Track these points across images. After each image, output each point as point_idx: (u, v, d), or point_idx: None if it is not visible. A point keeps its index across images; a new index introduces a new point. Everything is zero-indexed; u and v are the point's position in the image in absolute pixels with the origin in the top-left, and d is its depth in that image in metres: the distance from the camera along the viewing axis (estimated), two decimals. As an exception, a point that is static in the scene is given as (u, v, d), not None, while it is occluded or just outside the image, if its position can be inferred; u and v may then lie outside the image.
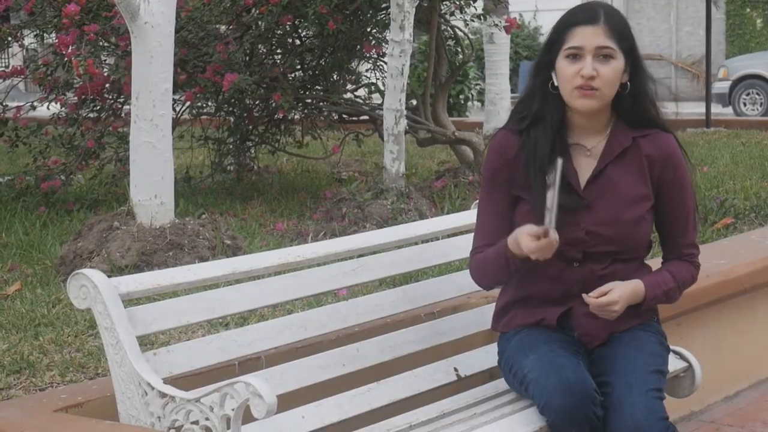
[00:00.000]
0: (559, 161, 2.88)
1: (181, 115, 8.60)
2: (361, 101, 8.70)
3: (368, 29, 8.33)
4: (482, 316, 3.61)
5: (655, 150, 3.09)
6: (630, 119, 3.10)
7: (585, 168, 3.08)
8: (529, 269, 3.02)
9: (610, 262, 3.06)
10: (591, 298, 2.99)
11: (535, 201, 2.98)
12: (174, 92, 6.20)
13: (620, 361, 3.01)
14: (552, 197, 2.87)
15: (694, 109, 15.64)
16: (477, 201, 3.84)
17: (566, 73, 2.99)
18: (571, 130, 3.09)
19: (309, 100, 8.57)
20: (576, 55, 2.98)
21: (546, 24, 24.04)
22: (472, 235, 3.70)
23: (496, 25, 9.23)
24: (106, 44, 8.05)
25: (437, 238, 3.73)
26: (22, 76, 8.29)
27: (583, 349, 3.09)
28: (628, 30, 3.06)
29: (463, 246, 3.68)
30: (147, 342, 3.64)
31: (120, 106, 8.12)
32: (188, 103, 8.34)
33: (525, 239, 2.91)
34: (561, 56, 3.01)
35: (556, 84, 3.04)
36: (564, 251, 2.98)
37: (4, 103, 8.21)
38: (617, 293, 2.99)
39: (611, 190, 3.06)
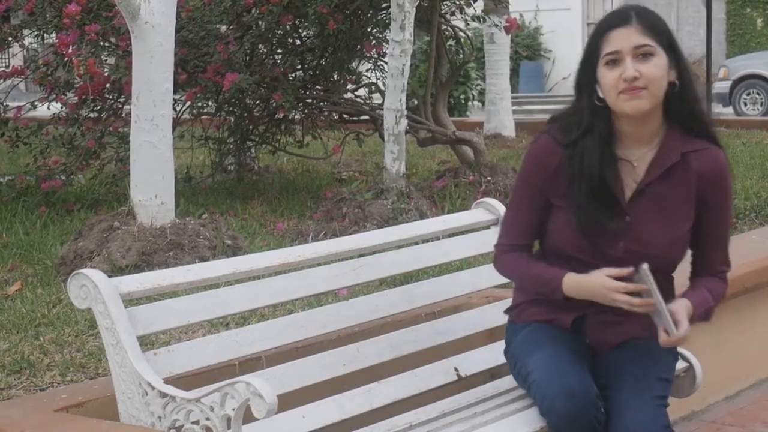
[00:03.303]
0: (644, 267, 2.80)
1: (182, 114, 8.60)
2: (362, 101, 8.70)
3: (369, 29, 8.33)
4: (483, 316, 3.61)
5: (705, 167, 2.98)
6: (682, 124, 2.98)
7: (631, 181, 2.98)
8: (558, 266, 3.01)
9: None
10: (670, 337, 2.88)
11: (577, 213, 2.94)
12: (174, 92, 6.20)
13: (627, 366, 2.99)
14: (657, 301, 2.82)
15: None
16: (477, 201, 3.86)
17: (608, 81, 2.89)
18: (619, 141, 2.98)
19: (309, 100, 8.57)
20: (615, 60, 2.88)
21: (546, 24, 24.09)
22: (472, 235, 3.71)
23: (497, 25, 9.23)
24: (106, 44, 8.05)
25: (438, 238, 3.72)
26: (23, 76, 8.29)
27: (590, 351, 3.07)
28: (664, 25, 2.95)
29: (464, 246, 3.69)
30: (147, 342, 3.64)
31: (120, 106, 8.12)
32: (189, 103, 8.34)
33: (620, 296, 2.86)
34: (601, 65, 2.91)
35: (601, 96, 2.93)
36: (597, 263, 2.94)
37: (4, 103, 8.21)
38: (686, 321, 2.90)
39: (655, 207, 2.97)
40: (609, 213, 2.92)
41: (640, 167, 2.98)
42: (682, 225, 2.99)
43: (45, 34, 8.23)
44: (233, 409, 2.57)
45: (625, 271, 2.86)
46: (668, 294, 2.98)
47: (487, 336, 3.67)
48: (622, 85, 2.86)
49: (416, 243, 3.62)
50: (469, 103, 16.19)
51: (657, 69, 2.87)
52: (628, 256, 2.94)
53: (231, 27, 8.12)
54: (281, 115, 8.41)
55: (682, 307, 2.93)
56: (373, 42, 8.40)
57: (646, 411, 2.87)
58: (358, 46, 8.39)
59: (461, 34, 8.96)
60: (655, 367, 2.99)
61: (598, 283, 2.91)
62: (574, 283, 2.96)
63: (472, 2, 8.41)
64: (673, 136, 2.98)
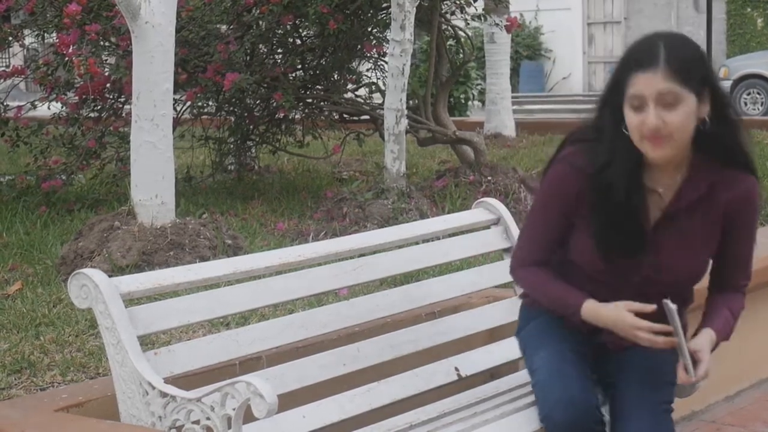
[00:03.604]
0: (671, 306, 2.76)
1: (182, 114, 8.59)
2: (362, 101, 8.69)
3: (369, 29, 8.33)
4: (483, 316, 3.61)
5: (734, 195, 2.89)
6: (713, 155, 2.85)
7: (656, 208, 2.89)
8: (577, 275, 2.97)
9: (665, 295, 2.88)
10: (689, 377, 2.84)
11: (599, 241, 2.88)
12: (175, 92, 6.20)
13: (635, 367, 2.97)
14: (680, 340, 2.80)
15: (695, 109, 15.62)
16: (478, 201, 3.86)
17: (632, 124, 2.76)
18: (646, 167, 2.85)
19: (310, 100, 8.57)
20: (639, 106, 2.73)
21: (547, 24, 24.09)
22: (472, 235, 3.71)
23: (497, 25, 9.23)
24: (107, 44, 8.05)
25: (438, 238, 3.73)
26: (23, 76, 8.29)
27: (600, 350, 3.03)
28: (697, 62, 2.77)
29: (464, 246, 3.69)
30: (148, 342, 3.64)
31: (121, 105, 8.12)
32: (189, 103, 8.33)
33: (643, 334, 2.84)
34: (626, 103, 2.77)
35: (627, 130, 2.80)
36: (617, 284, 2.92)
37: (5, 103, 8.20)
38: (707, 360, 2.86)
39: (679, 235, 2.90)
40: (632, 242, 2.87)
41: (666, 195, 2.89)
42: (705, 252, 2.95)
43: (45, 34, 8.23)
44: (234, 409, 2.57)
45: (648, 308, 2.82)
46: (681, 317, 2.92)
47: (488, 336, 3.67)
48: (645, 131, 2.74)
49: (416, 243, 3.62)
50: (470, 102, 16.18)
51: (682, 117, 2.72)
52: (647, 282, 2.91)
53: (231, 27, 8.12)
54: (281, 114, 8.41)
55: (705, 342, 2.89)
56: (374, 42, 8.40)
57: (652, 418, 2.87)
58: (359, 46, 8.39)
59: (461, 33, 8.96)
60: (663, 368, 2.96)
61: (620, 318, 2.86)
62: (593, 311, 2.91)
63: (472, 2, 8.41)
64: (702, 165, 2.87)
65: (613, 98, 2.82)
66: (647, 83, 2.71)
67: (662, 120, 2.71)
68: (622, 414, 2.90)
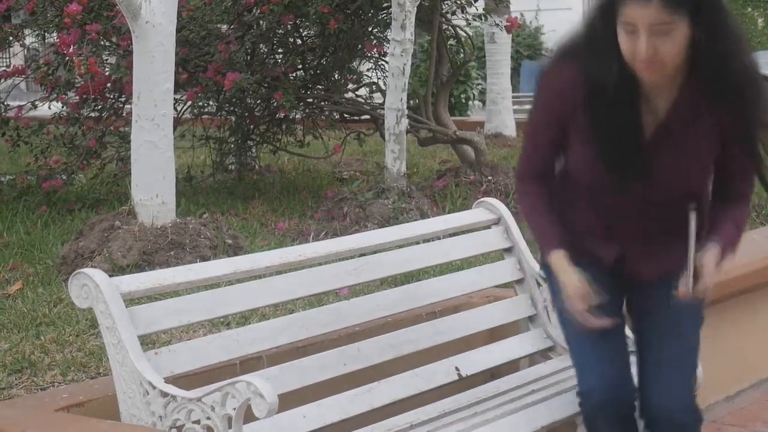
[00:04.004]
0: (692, 215, 2.77)
1: (183, 114, 8.59)
2: (363, 101, 8.69)
3: (369, 29, 8.33)
4: (483, 316, 3.62)
5: (732, 107, 2.84)
6: (708, 72, 2.80)
7: (652, 119, 2.86)
8: (579, 194, 2.96)
9: (671, 207, 2.90)
10: (689, 293, 2.82)
11: (597, 150, 2.85)
12: (175, 92, 6.20)
13: (665, 327, 2.97)
14: (689, 257, 2.79)
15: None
16: (478, 201, 3.86)
17: (624, 47, 2.74)
18: (642, 80, 2.82)
19: (310, 100, 8.57)
20: (632, 31, 2.71)
21: (547, 23, 24.09)
22: (472, 234, 3.71)
23: (498, 25, 9.23)
24: (107, 44, 8.05)
25: (438, 238, 3.73)
26: (24, 76, 8.29)
27: (627, 289, 3.02)
28: None
29: (465, 245, 3.69)
30: (148, 341, 3.64)
31: (121, 105, 8.12)
32: (189, 103, 8.33)
33: (576, 307, 2.88)
34: (619, 23, 2.74)
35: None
36: (619, 197, 2.89)
37: (5, 103, 8.21)
38: (714, 274, 2.84)
39: (677, 144, 2.86)
40: (629, 151, 2.84)
41: (662, 107, 2.86)
42: (705, 159, 2.91)
43: (46, 34, 8.24)
44: (234, 409, 2.57)
45: (596, 323, 2.86)
46: (700, 221, 2.89)
47: (488, 336, 3.67)
48: (637, 57, 2.73)
49: (417, 243, 3.62)
50: (470, 102, 16.18)
51: (674, 46, 2.72)
52: (648, 190, 2.89)
53: (232, 26, 8.12)
54: (282, 114, 8.41)
55: (711, 259, 2.84)
56: (374, 41, 8.40)
57: (674, 388, 2.91)
58: (359, 46, 8.39)
59: (462, 33, 8.96)
60: (691, 331, 3.00)
61: (570, 283, 2.90)
62: (558, 263, 2.94)
63: (473, 1, 8.41)
64: (699, 80, 2.83)
65: (606, 13, 2.80)
66: (640, 14, 2.70)
67: (654, 48, 2.71)
68: (647, 383, 2.95)
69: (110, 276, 2.83)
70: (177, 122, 7.66)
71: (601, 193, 2.94)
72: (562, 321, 3.06)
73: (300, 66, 8.46)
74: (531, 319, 3.73)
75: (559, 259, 2.95)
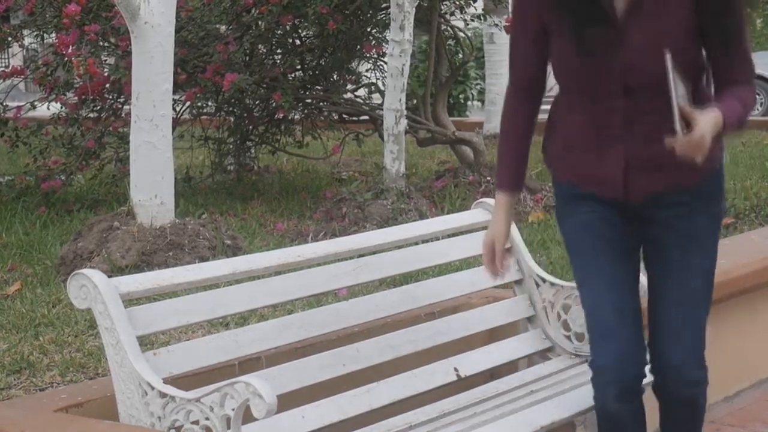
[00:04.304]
0: (668, 56, 2.63)
1: (182, 115, 8.60)
2: (362, 101, 8.70)
3: (368, 29, 8.34)
4: (483, 316, 3.62)
5: None
6: None
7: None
8: (571, 107, 2.91)
9: (656, 95, 2.75)
10: (679, 139, 2.62)
11: (570, 31, 2.80)
12: (174, 92, 6.20)
13: (673, 276, 2.93)
14: (672, 102, 2.62)
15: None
16: (477, 201, 3.86)
17: None
18: None
19: (309, 100, 8.58)
20: None
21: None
22: (471, 235, 3.71)
23: (497, 25, 9.23)
24: (106, 44, 8.05)
25: (437, 238, 3.73)
26: (23, 76, 8.29)
27: (640, 225, 2.95)
28: None
29: (464, 246, 3.69)
30: (147, 342, 3.64)
31: (120, 106, 8.12)
32: (188, 103, 8.34)
33: (486, 259, 3.04)
34: None
35: None
36: (603, 83, 2.81)
37: (4, 103, 8.21)
38: (704, 127, 2.62)
39: (650, 16, 2.76)
40: (600, 27, 2.76)
41: None
42: (682, 31, 2.79)
43: (45, 34, 8.23)
44: (233, 409, 2.57)
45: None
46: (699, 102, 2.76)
47: (487, 336, 3.67)
48: None
49: (416, 243, 3.62)
50: (469, 102, 16.19)
51: None
52: (627, 69, 2.79)
53: (230, 27, 8.12)
54: (281, 115, 8.41)
55: (709, 115, 2.67)
56: (373, 42, 8.41)
57: (683, 346, 2.94)
58: (358, 46, 8.39)
59: (461, 33, 8.97)
60: (703, 276, 2.95)
61: (491, 232, 3.05)
62: (497, 205, 3.05)
63: (472, 2, 8.41)
64: None
65: None
66: None
67: None
68: (656, 341, 2.97)
69: (109, 276, 2.83)
70: (176, 123, 7.66)
71: (587, 90, 2.85)
72: (570, 253, 3.04)
73: (299, 66, 8.46)
74: (530, 319, 3.73)
75: (500, 200, 3.03)
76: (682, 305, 2.95)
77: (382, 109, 7.35)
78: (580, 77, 2.87)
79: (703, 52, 2.88)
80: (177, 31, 5.92)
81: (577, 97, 2.91)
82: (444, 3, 8.39)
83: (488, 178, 7.73)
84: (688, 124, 2.64)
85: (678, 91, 2.67)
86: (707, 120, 2.65)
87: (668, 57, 2.65)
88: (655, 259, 2.99)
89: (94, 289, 2.76)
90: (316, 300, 3.97)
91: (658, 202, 2.92)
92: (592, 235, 2.95)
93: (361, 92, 8.92)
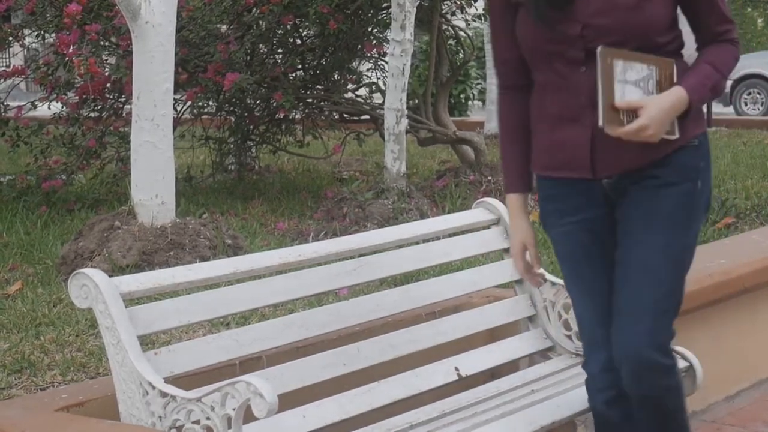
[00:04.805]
0: (599, 49, 2.60)
1: (182, 114, 8.60)
2: (362, 101, 8.70)
3: (369, 29, 8.34)
4: (483, 316, 3.61)
5: None
6: None
7: None
8: (540, 88, 2.83)
9: None
10: (615, 130, 2.61)
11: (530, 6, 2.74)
12: (175, 92, 6.21)
13: (633, 253, 2.78)
14: (597, 92, 2.61)
15: (695, 109, 15.60)
16: (478, 201, 3.86)
17: None
18: None
19: (310, 100, 8.58)
20: None
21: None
22: (472, 234, 3.71)
23: (497, 25, 9.22)
24: (107, 44, 8.06)
25: (438, 238, 3.72)
26: (23, 76, 8.30)
27: (611, 205, 2.86)
28: None
29: (464, 246, 3.69)
30: (148, 341, 3.64)
31: (121, 105, 8.13)
32: (189, 103, 8.34)
33: (518, 264, 3.00)
34: None
35: None
36: (564, 52, 2.74)
37: (5, 103, 8.21)
38: (646, 116, 2.61)
39: None
40: None
41: None
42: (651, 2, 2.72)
43: (45, 34, 8.24)
44: (234, 409, 2.57)
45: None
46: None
47: (488, 336, 3.67)
48: None
49: (417, 243, 3.62)
50: (470, 102, 16.19)
51: None
52: (588, 31, 2.70)
53: (231, 27, 8.13)
54: (282, 114, 8.42)
55: (657, 101, 2.64)
56: (374, 42, 8.41)
57: (638, 328, 2.75)
58: (359, 46, 8.40)
59: (462, 33, 8.97)
60: (664, 253, 2.77)
61: (516, 239, 2.99)
62: (511, 208, 2.98)
63: (472, 2, 8.42)
64: None
65: None
66: None
67: None
68: (616, 323, 2.81)
69: (110, 276, 2.82)
70: (177, 122, 7.67)
71: (551, 61, 2.77)
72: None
73: (300, 66, 8.47)
74: (531, 319, 3.73)
75: (512, 203, 2.98)
76: (642, 285, 2.75)
77: (383, 109, 7.36)
78: (541, 46, 2.79)
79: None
80: (178, 31, 5.93)
81: (543, 76, 2.83)
82: (445, 3, 8.39)
83: (489, 178, 7.73)
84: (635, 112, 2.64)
85: (628, 76, 2.64)
86: (655, 105, 2.63)
87: (599, 50, 2.61)
88: (621, 239, 2.85)
89: (95, 288, 2.76)
90: (317, 299, 3.97)
91: (629, 179, 2.82)
92: (575, 246, 2.91)
93: (362, 92, 8.93)
